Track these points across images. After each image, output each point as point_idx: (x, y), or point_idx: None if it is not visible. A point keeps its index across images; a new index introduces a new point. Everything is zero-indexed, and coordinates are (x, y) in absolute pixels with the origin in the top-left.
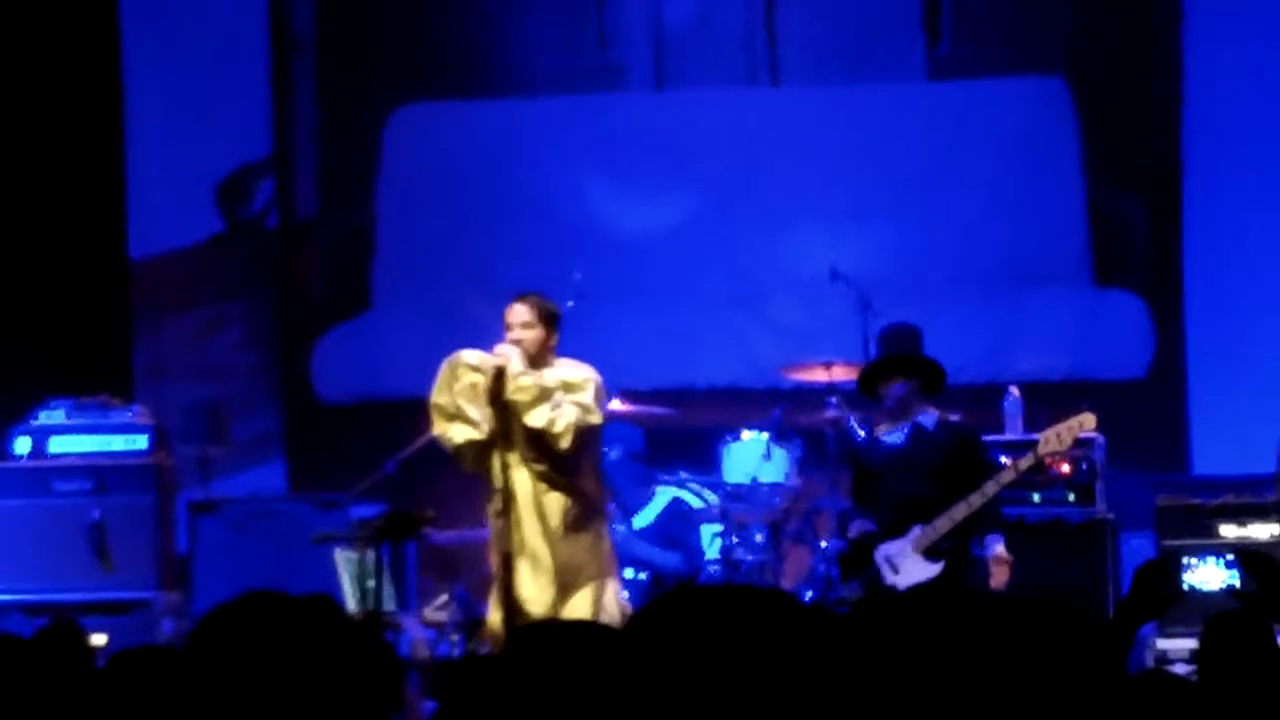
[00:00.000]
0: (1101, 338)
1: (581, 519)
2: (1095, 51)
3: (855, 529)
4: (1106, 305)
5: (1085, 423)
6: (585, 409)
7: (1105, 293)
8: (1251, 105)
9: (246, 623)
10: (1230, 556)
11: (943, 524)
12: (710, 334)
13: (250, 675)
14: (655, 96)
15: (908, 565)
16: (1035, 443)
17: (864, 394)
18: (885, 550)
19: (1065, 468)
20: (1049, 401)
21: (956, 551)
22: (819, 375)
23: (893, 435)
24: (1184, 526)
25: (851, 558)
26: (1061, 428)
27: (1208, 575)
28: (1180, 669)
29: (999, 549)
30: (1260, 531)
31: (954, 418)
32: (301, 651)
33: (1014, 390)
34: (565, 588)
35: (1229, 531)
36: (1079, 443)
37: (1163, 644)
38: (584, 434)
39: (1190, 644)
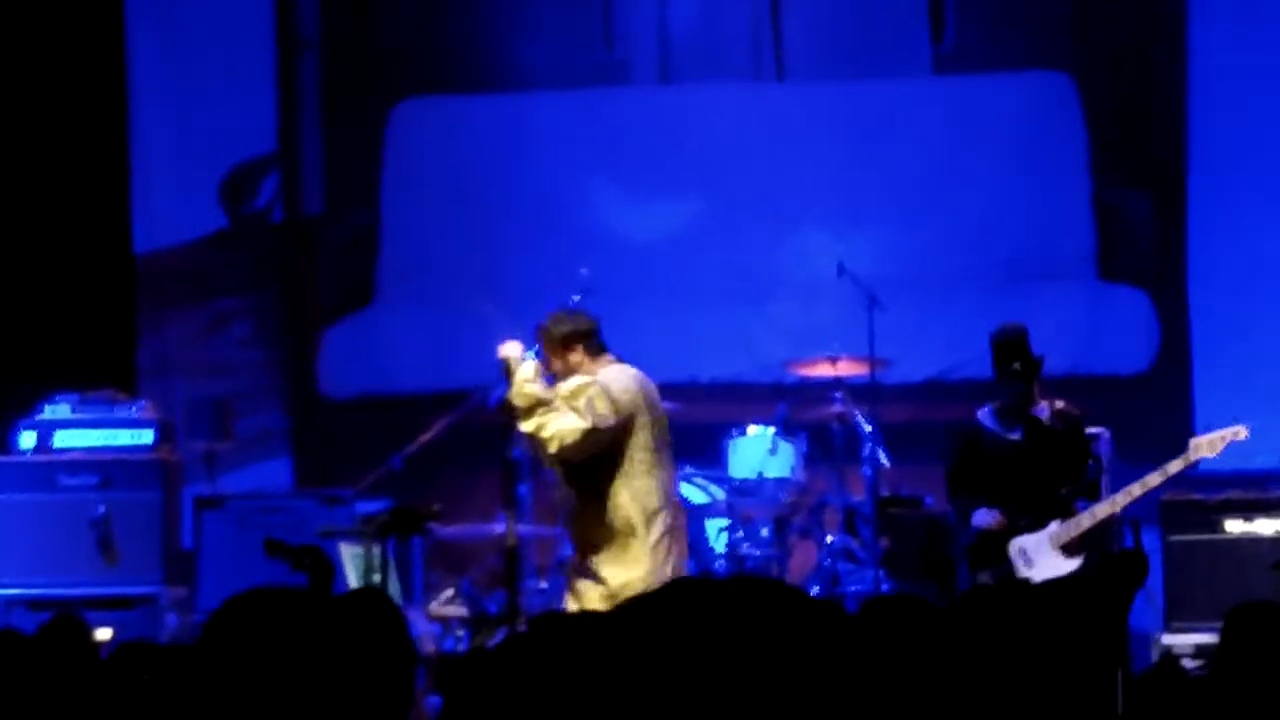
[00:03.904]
0: (1106, 333)
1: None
2: (1101, 46)
3: (986, 519)
4: (1111, 300)
5: (1239, 433)
6: (578, 414)
7: (1110, 288)
8: (1257, 101)
9: (262, 618)
10: None
11: (1085, 521)
12: (715, 329)
13: (264, 671)
14: (660, 92)
15: (1044, 559)
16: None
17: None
18: (1020, 543)
19: None
20: (1054, 396)
21: (1094, 548)
22: (825, 370)
23: (1011, 429)
24: (1189, 522)
25: (983, 549)
26: (1215, 435)
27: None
28: (1187, 664)
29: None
30: (1265, 527)
31: (1060, 404)
32: (319, 649)
33: None
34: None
35: (1234, 527)
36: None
37: (1168, 639)
38: (576, 445)
39: (1196, 639)
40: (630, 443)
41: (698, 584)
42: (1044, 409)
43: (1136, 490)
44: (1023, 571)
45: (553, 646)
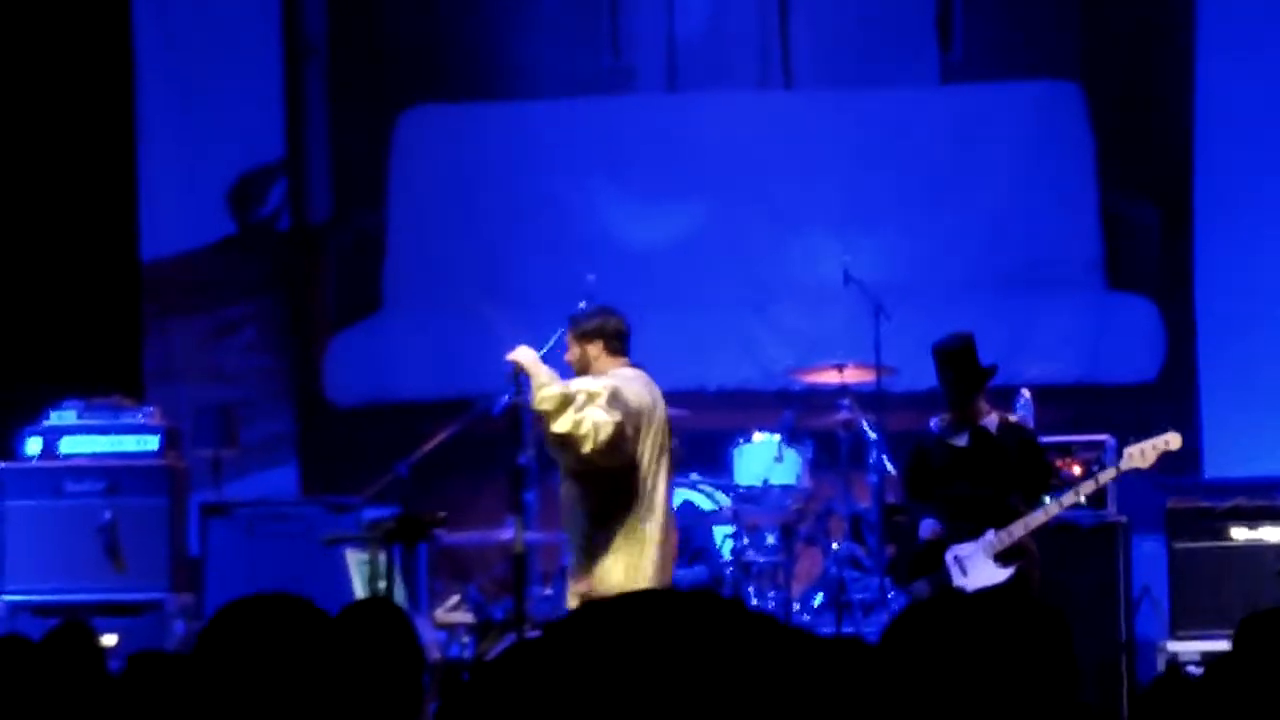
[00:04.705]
0: (1113, 341)
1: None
2: (1108, 56)
3: (927, 529)
4: (1118, 309)
5: (1171, 441)
6: (604, 412)
7: (1117, 296)
8: (1263, 110)
9: (266, 625)
10: None
11: (1018, 530)
12: (722, 336)
13: (264, 679)
14: (667, 99)
15: (978, 568)
16: (1048, 445)
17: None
18: (956, 551)
19: (1077, 470)
20: (1061, 405)
21: (1028, 559)
22: (831, 377)
23: (957, 438)
24: (1195, 529)
25: (921, 558)
26: (1146, 445)
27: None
28: (1193, 672)
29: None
30: (1271, 534)
31: (1014, 418)
32: (329, 656)
33: (1025, 393)
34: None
35: (1240, 534)
36: (1089, 445)
37: (1174, 646)
38: (609, 440)
39: (1202, 646)
40: (635, 448)
41: (659, 596)
42: (994, 420)
43: (1069, 499)
44: (957, 580)
45: (556, 654)
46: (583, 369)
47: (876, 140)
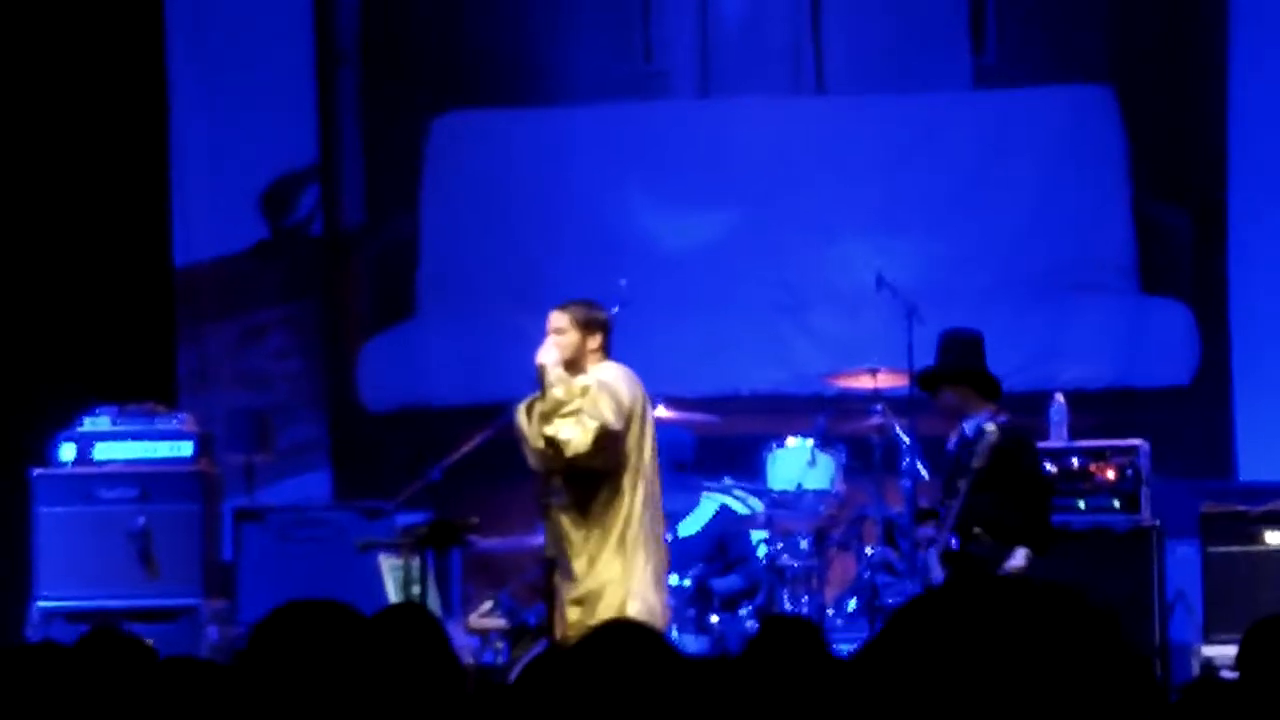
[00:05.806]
0: (1147, 345)
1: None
2: (1141, 59)
3: (919, 533)
4: (1152, 313)
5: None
6: (592, 416)
7: (1150, 300)
8: None
9: (305, 631)
10: None
11: (945, 530)
12: (755, 341)
13: (309, 686)
14: (699, 104)
15: (935, 572)
16: (1081, 450)
17: (927, 392)
18: (925, 557)
19: (1111, 474)
20: (1094, 409)
21: (962, 560)
22: (864, 382)
23: (951, 442)
24: (1229, 533)
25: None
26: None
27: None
28: (1228, 675)
29: (1010, 564)
30: None
31: (1001, 419)
32: (365, 663)
33: (1059, 398)
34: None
35: (1274, 538)
36: (1123, 450)
37: (1208, 651)
38: (591, 446)
39: (1237, 651)
40: (624, 446)
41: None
42: (976, 421)
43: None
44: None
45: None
46: (574, 358)
47: (909, 144)
